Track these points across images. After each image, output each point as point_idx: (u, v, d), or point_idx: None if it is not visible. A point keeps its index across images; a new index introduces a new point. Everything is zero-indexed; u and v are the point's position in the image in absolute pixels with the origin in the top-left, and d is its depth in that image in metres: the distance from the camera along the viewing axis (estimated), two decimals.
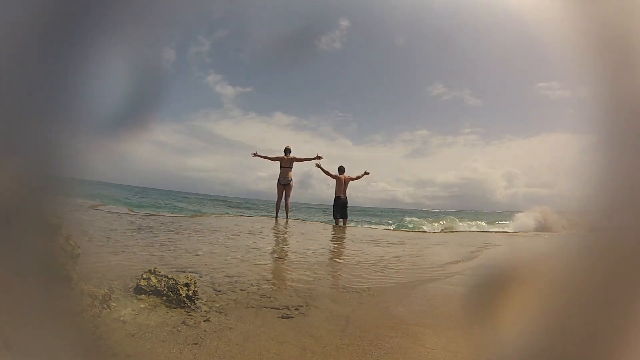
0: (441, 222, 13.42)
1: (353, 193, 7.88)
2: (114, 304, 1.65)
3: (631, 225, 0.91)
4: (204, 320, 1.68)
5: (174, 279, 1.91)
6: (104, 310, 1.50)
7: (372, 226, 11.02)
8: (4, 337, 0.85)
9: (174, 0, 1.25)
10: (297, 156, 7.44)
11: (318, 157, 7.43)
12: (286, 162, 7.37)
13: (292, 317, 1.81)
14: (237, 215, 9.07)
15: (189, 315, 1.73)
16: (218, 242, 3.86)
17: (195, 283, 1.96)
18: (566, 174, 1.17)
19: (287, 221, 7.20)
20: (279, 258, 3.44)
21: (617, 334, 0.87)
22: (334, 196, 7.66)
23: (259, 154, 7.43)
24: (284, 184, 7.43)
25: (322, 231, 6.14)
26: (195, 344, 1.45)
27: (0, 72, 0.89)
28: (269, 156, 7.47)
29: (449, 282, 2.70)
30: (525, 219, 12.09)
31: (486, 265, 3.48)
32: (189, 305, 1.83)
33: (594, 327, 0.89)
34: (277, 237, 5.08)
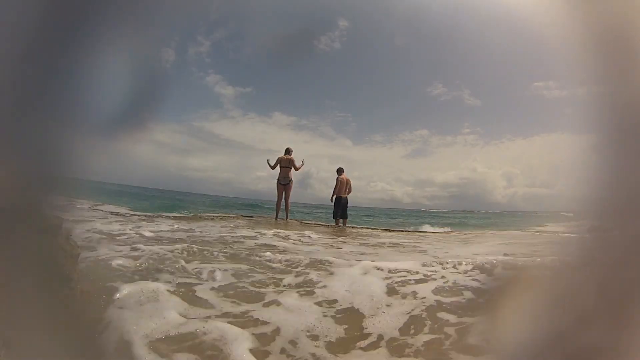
0: None
1: (352, 193, 7.85)
2: None
3: (631, 226, 0.91)
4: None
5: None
6: None
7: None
8: (4, 337, 0.85)
9: (174, 0, 1.25)
10: (296, 164, 7.45)
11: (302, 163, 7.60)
12: (286, 161, 7.38)
13: None
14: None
15: None
16: None
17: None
18: (566, 174, 1.17)
19: (287, 221, 7.20)
20: None
21: (616, 335, 0.87)
22: (334, 196, 7.66)
23: (270, 162, 7.49)
24: (284, 184, 7.43)
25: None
26: None
27: (1, 71, 0.89)
28: (272, 165, 7.45)
29: None
30: None
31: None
32: None
33: (593, 328, 0.89)
34: None
